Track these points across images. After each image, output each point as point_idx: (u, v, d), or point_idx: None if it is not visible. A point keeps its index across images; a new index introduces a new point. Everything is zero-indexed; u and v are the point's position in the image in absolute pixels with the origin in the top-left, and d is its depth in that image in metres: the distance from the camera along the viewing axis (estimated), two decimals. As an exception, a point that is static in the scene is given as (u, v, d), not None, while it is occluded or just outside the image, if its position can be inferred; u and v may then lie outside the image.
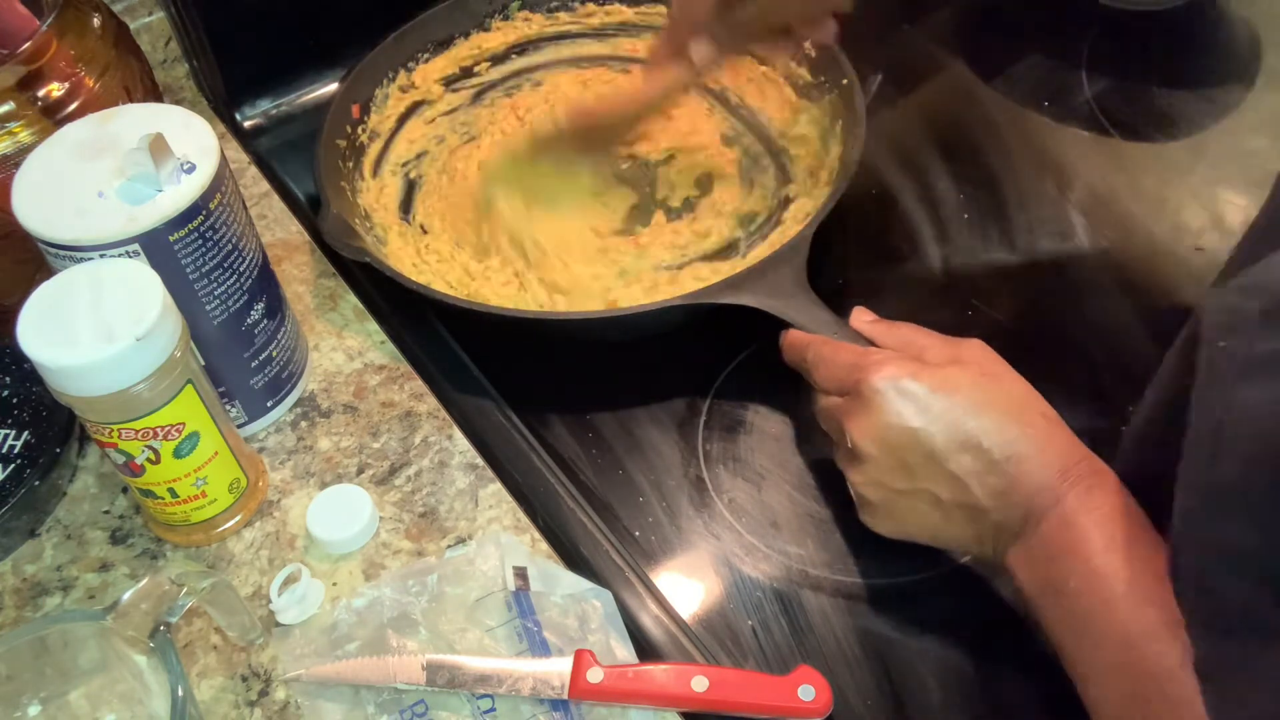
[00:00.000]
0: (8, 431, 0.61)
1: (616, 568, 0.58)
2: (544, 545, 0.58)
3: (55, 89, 0.60)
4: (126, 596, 0.47)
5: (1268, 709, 0.36)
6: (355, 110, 0.77)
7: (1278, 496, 0.35)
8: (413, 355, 0.67)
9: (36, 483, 0.58)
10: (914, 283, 0.71)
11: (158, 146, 0.51)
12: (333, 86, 0.79)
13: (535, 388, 0.66)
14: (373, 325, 0.69)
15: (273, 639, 0.55)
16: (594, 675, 0.51)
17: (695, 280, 0.69)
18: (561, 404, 0.66)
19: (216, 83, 0.81)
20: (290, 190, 0.78)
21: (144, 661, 0.48)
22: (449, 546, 0.58)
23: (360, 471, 0.62)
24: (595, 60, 0.84)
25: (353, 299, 0.70)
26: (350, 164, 0.75)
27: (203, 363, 0.57)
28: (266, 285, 0.60)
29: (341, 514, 0.58)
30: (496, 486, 0.61)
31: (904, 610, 0.56)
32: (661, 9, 0.84)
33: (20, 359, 0.63)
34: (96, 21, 0.64)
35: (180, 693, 0.45)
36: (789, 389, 0.64)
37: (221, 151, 0.55)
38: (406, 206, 0.77)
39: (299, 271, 0.72)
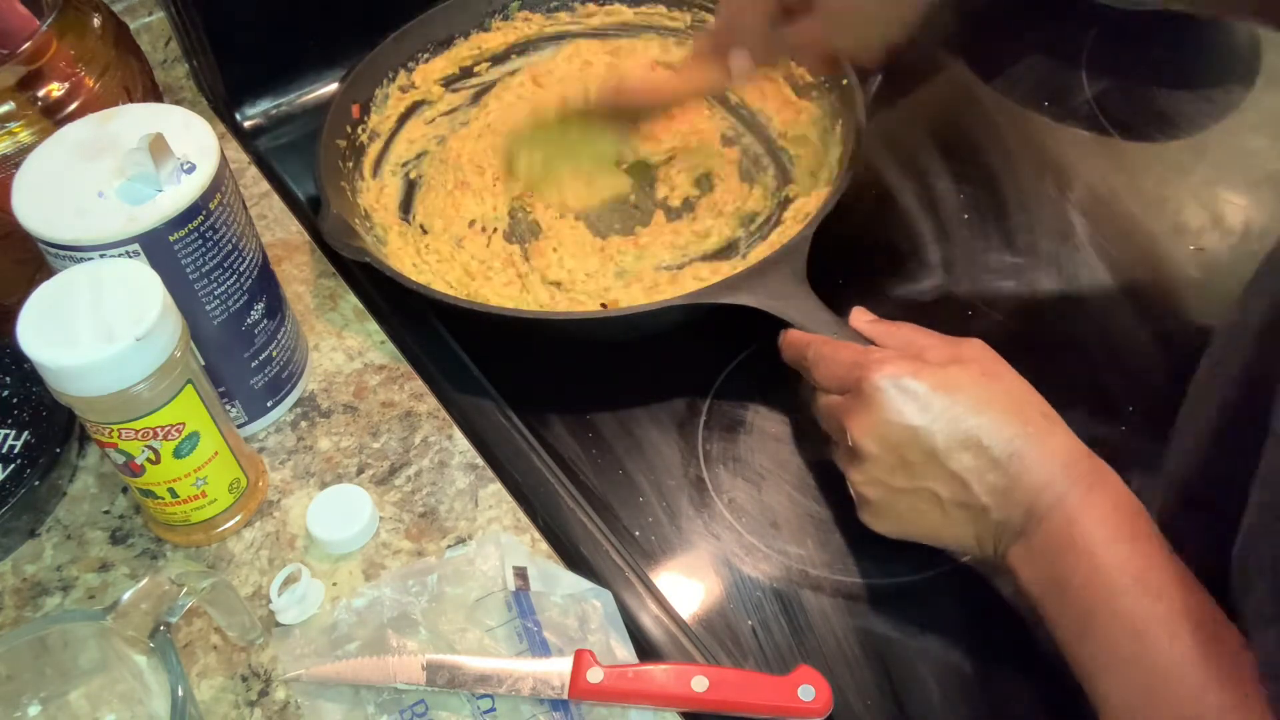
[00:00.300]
0: (8, 431, 0.61)
1: (616, 568, 0.58)
2: (544, 545, 0.58)
3: (55, 89, 0.60)
4: (126, 596, 0.47)
5: None
6: (355, 110, 0.77)
7: None
8: (413, 355, 0.67)
9: (36, 483, 0.58)
10: (914, 282, 0.71)
11: (158, 146, 0.51)
12: (333, 86, 0.79)
13: (535, 388, 0.66)
14: (373, 325, 0.69)
15: (273, 639, 0.55)
16: (594, 675, 0.51)
17: (695, 280, 0.69)
18: (561, 404, 0.66)
19: (216, 83, 0.81)
20: (290, 190, 0.78)
21: (144, 661, 0.48)
22: (449, 546, 0.58)
23: (360, 471, 0.62)
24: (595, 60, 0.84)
25: (353, 299, 0.70)
26: (350, 164, 0.75)
27: (203, 363, 0.57)
28: (266, 285, 0.60)
29: (341, 514, 0.58)
30: (496, 486, 0.61)
31: (904, 610, 0.56)
32: (661, 9, 0.84)
33: (20, 359, 0.63)
34: (96, 21, 0.64)
35: (180, 693, 0.45)
36: (789, 389, 0.64)
37: (221, 151, 0.55)
38: (406, 206, 0.77)
39: (299, 271, 0.72)
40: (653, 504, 0.61)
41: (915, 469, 0.51)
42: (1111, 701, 0.44)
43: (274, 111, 0.83)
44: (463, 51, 0.83)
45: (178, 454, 0.53)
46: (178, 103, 0.81)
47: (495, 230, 0.75)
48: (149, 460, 0.53)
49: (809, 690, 0.51)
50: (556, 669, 0.52)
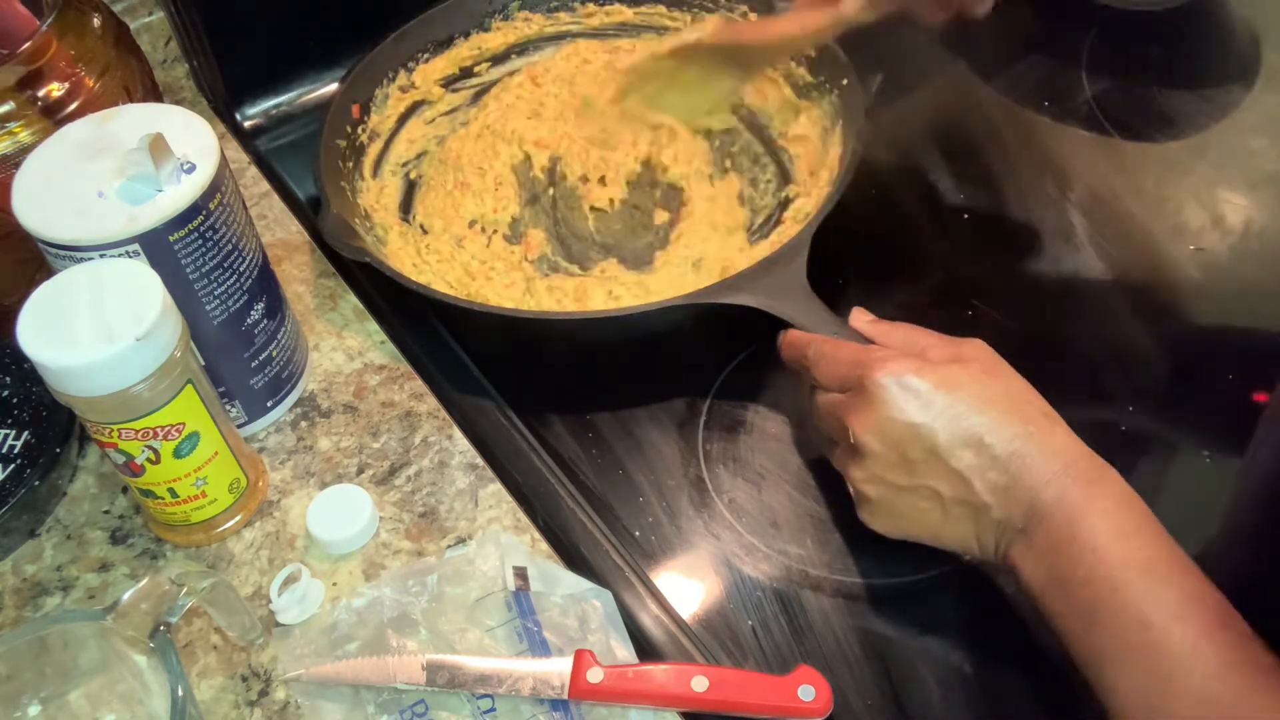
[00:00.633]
0: (8, 431, 0.61)
1: (616, 568, 0.58)
2: (544, 545, 0.58)
3: (55, 89, 0.60)
4: (126, 596, 0.47)
5: None
6: (355, 110, 0.77)
7: None
8: (413, 355, 0.67)
9: (36, 483, 0.58)
10: (914, 283, 0.71)
11: (158, 146, 0.51)
12: (333, 86, 0.79)
13: (535, 388, 0.66)
14: (373, 325, 0.69)
15: (273, 639, 0.55)
16: (594, 675, 0.51)
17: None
18: (561, 404, 0.66)
19: (216, 83, 0.81)
20: (290, 190, 0.78)
21: (144, 661, 0.48)
22: (449, 546, 0.58)
23: (360, 471, 0.62)
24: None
25: (353, 299, 0.70)
26: (350, 164, 0.75)
27: (203, 363, 0.57)
28: (266, 285, 0.60)
29: (341, 514, 0.58)
30: (496, 486, 0.61)
31: (904, 610, 0.56)
32: (661, 9, 0.84)
33: (20, 359, 0.63)
34: (96, 21, 0.64)
35: (180, 693, 0.45)
36: (789, 389, 0.65)
37: (221, 151, 0.55)
38: (406, 206, 0.77)
39: (299, 271, 0.72)
40: (653, 504, 0.61)
41: (916, 467, 0.51)
42: (1122, 692, 0.44)
43: (274, 111, 0.83)
44: (463, 51, 0.83)
45: (178, 454, 0.53)
46: (178, 103, 0.81)
47: (495, 231, 0.75)
48: (149, 460, 0.53)
49: (809, 690, 0.51)
50: (556, 669, 0.52)
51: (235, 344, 0.59)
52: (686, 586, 0.58)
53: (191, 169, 0.53)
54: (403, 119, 0.80)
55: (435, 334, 0.68)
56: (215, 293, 0.56)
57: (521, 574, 0.56)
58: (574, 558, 0.58)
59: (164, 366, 0.50)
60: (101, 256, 0.51)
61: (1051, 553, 0.47)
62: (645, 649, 0.54)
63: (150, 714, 0.50)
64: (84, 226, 0.51)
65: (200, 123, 0.55)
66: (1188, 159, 0.78)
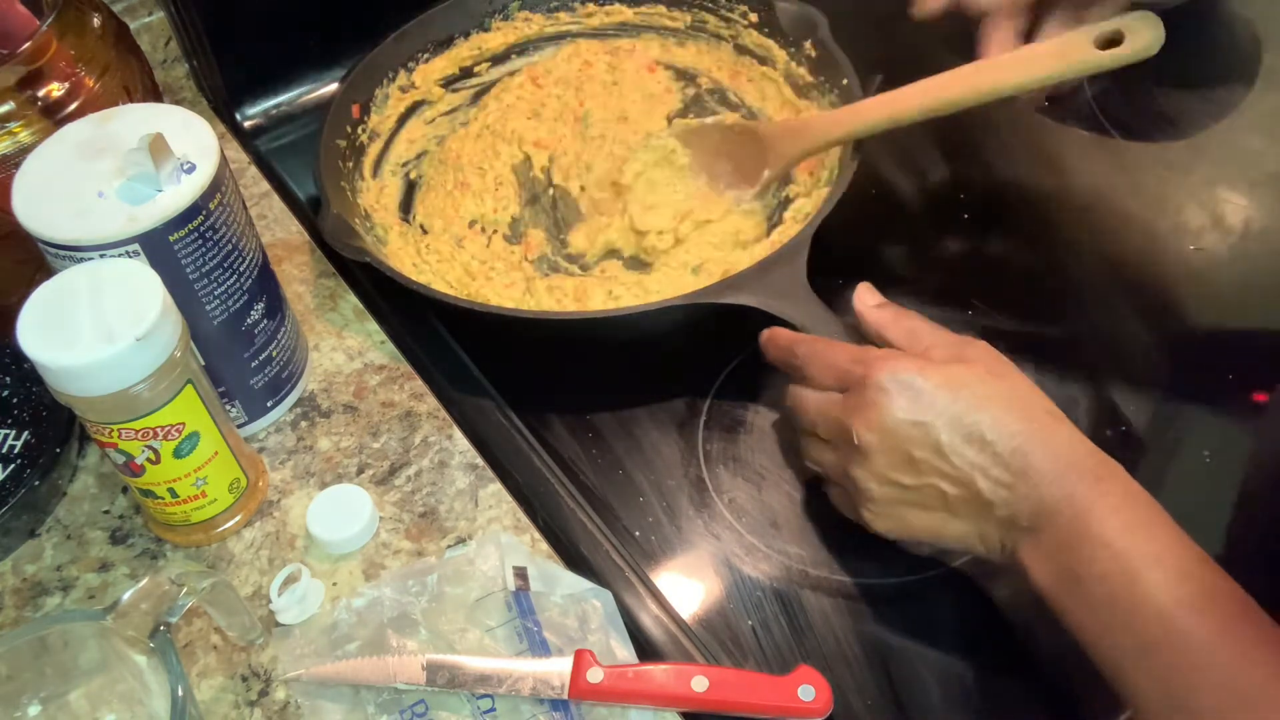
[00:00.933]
0: (8, 431, 0.61)
1: (616, 568, 0.58)
2: (544, 545, 0.58)
3: (55, 89, 0.60)
4: (126, 596, 0.47)
5: None
6: (355, 110, 0.77)
7: None
8: (413, 355, 0.67)
9: (36, 483, 0.58)
10: (914, 282, 0.71)
11: (158, 146, 0.51)
12: (333, 86, 0.79)
13: (535, 388, 0.66)
14: (373, 325, 0.69)
15: (273, 639, 0.55)
16: (594, 675, 0.51)
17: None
18: (561, 404, 0.66)
19: (216, 83, 0.81)
20: (290, 190, 0.78)
21: (144, 661, 0.48)
22: (449, 546, 0.58)
23: (360, 471, 0.62)
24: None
25: (353, 299, 0.70)
26: (350, 164, 0.75)
27: (203, 363, 0.57)
28: (266, 285, 0.60)
29: (341, 514, 0.58)
30: (496, 486, 0.61)
31: (904, 610, 0.56)
32: (661, 9, 0.84)
33: (20, 359, 0.63)
34: (96, 21, 0.64)
35: (180, 693, 0.45)
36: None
37: (221, 151, 0.54)
38: (406, 206, 0.77)
39: (299, 271, 0.72)
40: (653, 504, 0.61)
41: (920, 466, 0.51)
42: (1143, 687, 0.44)
43: (274, 111, 0.83)
44: (463, 51, 0.83)
45: (178, 454, 0.53)
46: (178, 103, 0.81)
47: (495, 231, 0.75)
48: (149, 460, 0.53)
49: (809, 690, 0.51)
50: (556, 669, 0.52)
51: (235, 344, 0.59)
52: (686, 586, 0.58)
53: (191, 169, 0.53)
54: (403, 119, 0.80)
55: (435, 334, 0.68)
56: (215, 293, 0.56)
57: (521, 574, 0.56)
58: (574, 558, 0.58)
59: (164, 366, 0.50)
60: (101, 256, 0.51)
61: (1062, 550, 0.47)
62: (645, 649, 0.54)
63: (150, 714, 0.50)
64: (84, 226, 0.51)
65: (200, 123, 0.55)
66: (1188, 159, 0.78)
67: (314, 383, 0.66)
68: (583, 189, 0.76)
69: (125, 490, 0.61)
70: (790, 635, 0.55)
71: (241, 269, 0.57)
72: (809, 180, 0.74)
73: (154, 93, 0.68)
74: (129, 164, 0.52)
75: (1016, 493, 0.49)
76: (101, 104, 0.61)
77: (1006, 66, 0.64)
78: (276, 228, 0.75)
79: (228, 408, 0.61)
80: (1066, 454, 0.48)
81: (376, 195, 0.76)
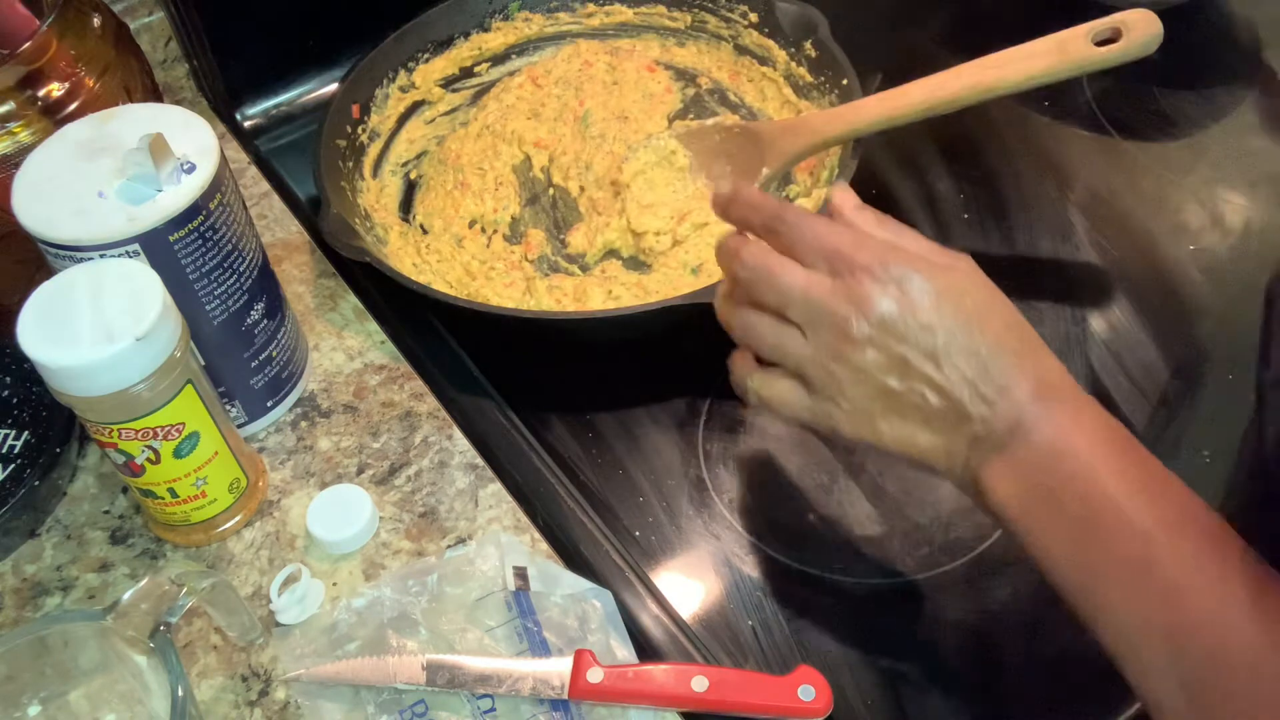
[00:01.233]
0: (8, 431, 0.61)
1: (616, 568, 0.58)
2: (544, 545, 0.58)
3: (55, 89, 0.60)
4: (126, 596, 0.47)
5: None
6: (355, 110, 0.77)
7: None
8: (413, 355, 0.67)
9: (36, 483, 0.58)
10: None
11: (158, 146, 0.51)
12: (333, 86, 0.79)
13: (535, 388, 0.66)
14: (373, 325, 0.69)
15: (273, 639, 0.55)
16: (594, 675, 0.51)
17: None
18: (561, 404, 0.66)
19: (216, 83, 0.81)
20: (290, 190, 0.78)
21: (144, 661, 0.48)
22: (449, 546, 0.58)
23: (360, 471, 0.62)
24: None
25: (353, 299, 0.70)
26: (350, 164, 0.75)
27: (203, 363, 0.57)
28: (266, 285, 0.60)
29: (341, 514, 0.58)
30: (496, 486, 0.61)
31: (904, 610, 0.56)
32: (661, 9, 0.84)
33: (20, 359, 0.62)
34: (96, 21, 0.64)
35: (180, 693, 0.45)
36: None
37: (221, 151, 0.54)
38: (406, 206, 0.77)
39: (299, 271, 0.72)
40: (653, 504, 0.61)
41: (911, 369, 0.48)
42: (1120, 608, 0.43)
43: (274, 111, 0.83)
44: (463, 52, 0.83)
45: (178, 454, 0.53)
46: (178, 103, 0.81)
47: (495, 231, 0.75)
48: (149, 460, 0.53)
49: (809, 690, 0.51)
50: (556, 669, 0.52)
51: (235, 344, 0.59)
52: (686, 586, 0.58)
53: (191, 169, 0.53)
54: (403, 119, 0.80)
55: (435, 334, 0.68)
56: (215, 293, 0.56)
57: (521, 574, 0.56)
58: (574, 558, 0.58)
59: (164, 366, 0.50)
60: (101, 256, 0.51)
61: (1037, 469, 0.46)
62: (645, 649, 0.54)
63: (150, 714, 0.50)
64: (84, 226, 0.51)
65: (200, 123, 0.55)
66: (1188, 159, 0.78)
67: (314, 383, 0.66)
68: (582, 189, 0.76)
69: (125, 490, 0.61)
70: (790, 635, 0.55)
71: (241, 269, 0.57)
72: (809, 180, 0.74)
73: (154, 93, 0.68)
74: (129, 164, 0.52)
75: (996, 410, 0.47)
76: (101, 104, 0.61)
77: (1005, 64, 0.64)
78: (276, 228, 0.75)
79: (228, 408, 0.61)
80: (1049, 378, 0.47)
81: (376, 195, 0.76)
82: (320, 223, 0.67)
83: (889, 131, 0.68)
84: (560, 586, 0.55)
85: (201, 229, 0.53)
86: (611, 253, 0.73)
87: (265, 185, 0.78)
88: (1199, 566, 0.41)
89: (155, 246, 0.52)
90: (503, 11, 0.84)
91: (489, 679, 0.52)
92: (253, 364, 0.60)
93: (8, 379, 0.63)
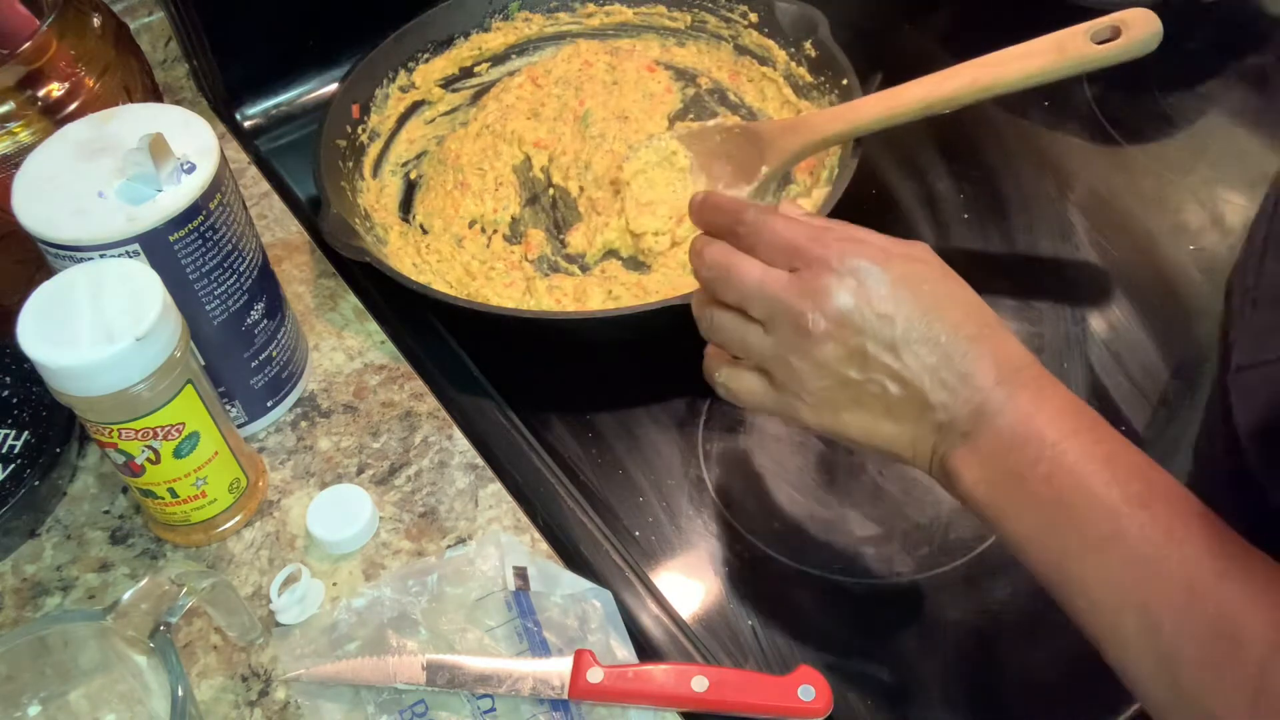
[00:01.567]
0: (8, 431, 0.61)
1: (616, 568, 0.58)
2: (544, 545, 0.58)
3: (55, 89, 0.60)
4: (126, 596, 0.47)
5: None
6: (355, 110, 0.77)
7: None
8: (413, 355, 0.67)
9: (36, 483, 0.58)
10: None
11: (158, 146, 0.51)
12: (333, 86, 0.79)
13: (535, 388, 0.66)
14: (373, 325, 0.69)
15: (273, 639, 0.55)
16: (594, 675, 0.51)
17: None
18: (561, 404, 0.66)
19: (216, 83, 0.81)
20: (290, 190, 0.78)
21: (144, 661, 0.48)
22: (449, 546, 0.58)
23: (360, 471, 0.62)
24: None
25: (353, 299, 0.70)
26: (350, 164, 0.75)
27: (203, 363, 0.57)
28: (266, 285, 0.60)
29: (341, 514, 0.58)
30: (496, 486, 0.61)
31: (904, 610, 0.56)
32: (661, 9, 0.84)
33: (20, 359, 0.62)
34: (96, 21, 0.64)
35: (180, 693, 0.45)
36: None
37: (221, 151, 0.54)
38: (406, 206, 0.77)
39: (299, 271, 0.72)
40: (653, 504, 0.61)
41: (870, 361, 0.48)
42: (1093, 584, 0.43)
43: (274, 111, 0.83)
44: (463, 52, 0.83)
45: (178, 454, 0.53)
46: (178, 103, 0.81)
47: (495, 231, 0.75)
48: (149, 460, 0.53)
49: (809, 690, 0.51)
50: (556, 669, 0.52)
51: (235, 344, 0.59)
52: (686, 586, 0.58)
53: (191, 169, 0.53)
54: (403, 119, 0.80)
55: (435, 334, 0.68)
56: (215, 293, 0.56)
57: (521, 574, 0.56)
58: (574, 558, 0.58)
59: (164, 366, 0.50)
60: (101, 256, 0.51)
61: (1003, 453, 0.46)
62: (645, 649, 0.54)
63: (150, 714, 0.50)
64: (84, 226, 0.51)
65: (200, 123, 0.55)
66: (1188, 159, 0.78)
67: (314, 383, 0.66)
68: (581, 189, 0.76)
69: (125, 490, 0.61)
70: (790, 635, 0.55)
71: (241, 269, 0.57)
72: (809, 180, 0.74)
73: (154, 93, 0.68)
74: (129, 164, 0.52)
75: (958, 396, 0.47)
76: (101, 104, 0.61)
77: (1004, 62, 0.64)
78: (276, 228, 0.75)
79: (228, 408, 0.61)
80: (1011, 362, 0.47)
81: (376, 195, 0.76)
82: (320, 223, 0.67)
83: (889, 131, 0.68)
84: (560, 586, 0.55)
85: (201, 229, 0.53)
86: (611, 253, 0.73)
87: (265, 185, 0.78)
88: (1168, 539, 0.41)
89: (155, 246, 0.52)
90: (503, 11, 0.84)
91: (489, 679, 0.52)
92: (253, 364, 0.60)
93: (8, 379, 0.63)
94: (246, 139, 0.81)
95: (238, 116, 0.82)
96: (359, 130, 0.77)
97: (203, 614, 0.55)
